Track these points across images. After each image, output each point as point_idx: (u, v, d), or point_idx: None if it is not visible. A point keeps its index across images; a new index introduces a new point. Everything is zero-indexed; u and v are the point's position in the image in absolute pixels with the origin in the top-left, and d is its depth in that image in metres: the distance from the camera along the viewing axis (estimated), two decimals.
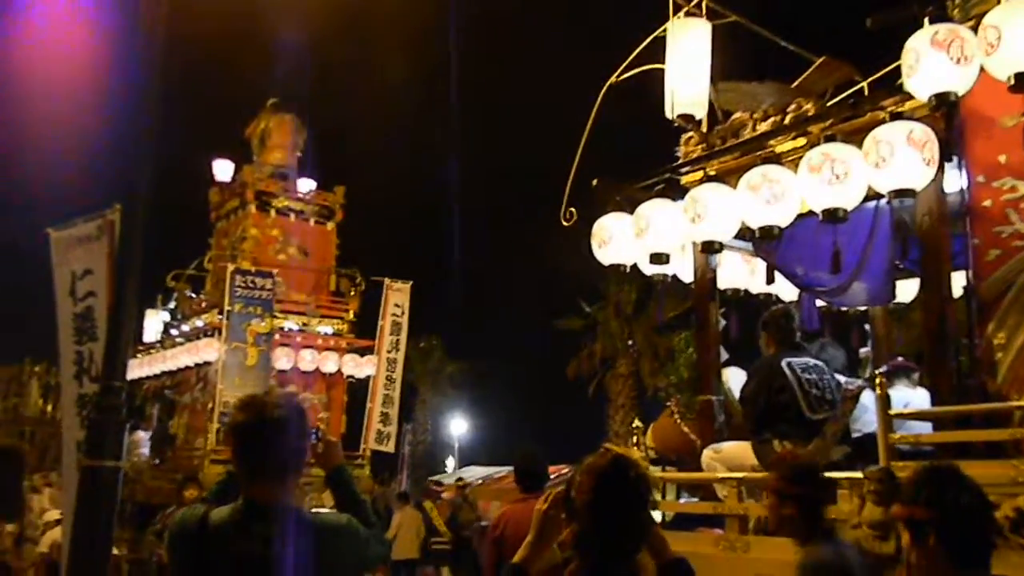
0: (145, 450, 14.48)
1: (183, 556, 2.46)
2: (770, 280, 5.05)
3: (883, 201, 4.40)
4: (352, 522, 2.57)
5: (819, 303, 5.48)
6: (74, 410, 6.11)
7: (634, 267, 5.52)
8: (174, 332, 15.18)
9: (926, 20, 3.91)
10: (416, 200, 38.40)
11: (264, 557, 2.37)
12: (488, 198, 40.69)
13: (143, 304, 14.20)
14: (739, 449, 4.69)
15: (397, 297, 14.99)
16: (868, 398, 4.82)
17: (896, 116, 4.08)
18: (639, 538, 1.99)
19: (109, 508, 4.63)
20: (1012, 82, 3.62)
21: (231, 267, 13.00)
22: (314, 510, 2.94)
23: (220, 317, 12.91)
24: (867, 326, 6.07)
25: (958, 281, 4.31)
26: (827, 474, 4.13)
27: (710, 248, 4.73)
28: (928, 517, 2.08)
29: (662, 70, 5.32)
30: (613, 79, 5.57)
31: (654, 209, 4.88)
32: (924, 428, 4.27)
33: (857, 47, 5.14)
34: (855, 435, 4.70)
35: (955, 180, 4.22)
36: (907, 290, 5.42)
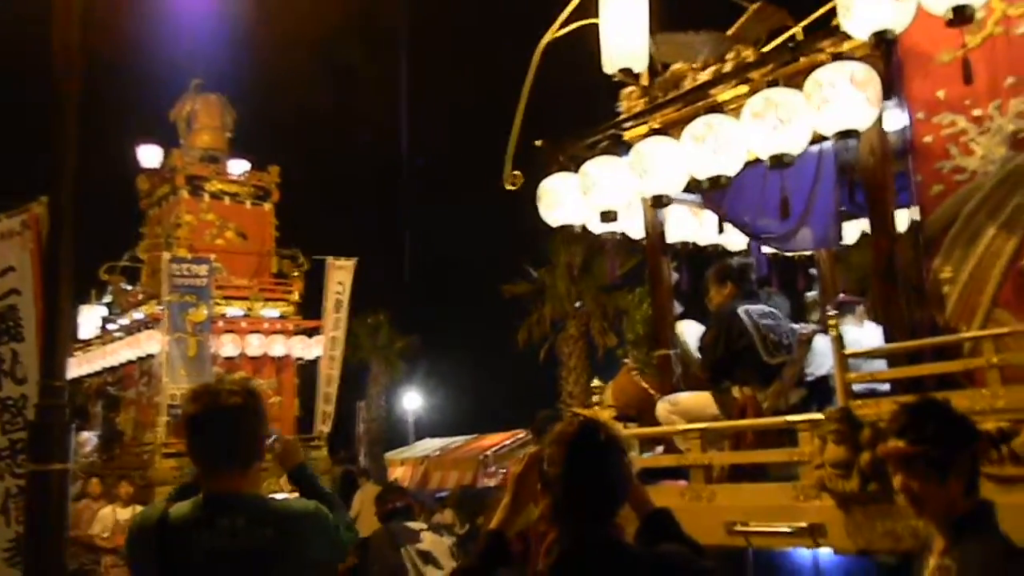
0: (91, 449, 14.09)
1: (143, 559, 2.35)
2: (720, 230, 5.05)
3: (827, 144, 4.42)
4: (320, 508, 2.49)
5: (767, 250, 5.51)
6: None
7: (581, 227, 5.47)
8: (112, 327, 14.74)
9: None
10: (356, 174, 37.73)
11: (232, 551, 2.27)
12: (428, 168, 40.21)
13: (76, 300, 13.69)
14: (697, 399, 4.71)
15: (340, 275, 14.75)
16: (819, 342, 4.89)
17: (836, 57, 4.08)
18: (617, 500, 1.97)
19: (60, 512, 4.49)
20: (950, 16, 3.62)
21: (166, 255, 12.62)
22: (276, 495, 2.85)
23: (160, 308, 12.56)
24: (812, 270, 6.14)
25: (902, 219, 4.37)
26: (787, 417, 4.22)
27: (659, 202, 4.70)
28: (936, 451, 2.08)
29: (598, 25, 5.24)
30: (548, 36, 5.47)
31: (600, 167, 4.82)
32: (876, 365, 4.34)
33: None
34: (808, 379, 4.76)
35: (896, 118, 4.25)
36: (849, 232, 5.48)
